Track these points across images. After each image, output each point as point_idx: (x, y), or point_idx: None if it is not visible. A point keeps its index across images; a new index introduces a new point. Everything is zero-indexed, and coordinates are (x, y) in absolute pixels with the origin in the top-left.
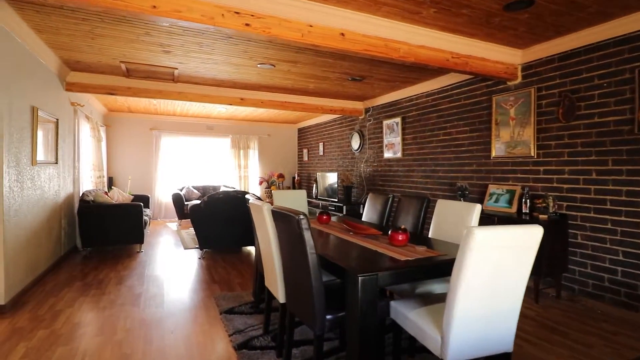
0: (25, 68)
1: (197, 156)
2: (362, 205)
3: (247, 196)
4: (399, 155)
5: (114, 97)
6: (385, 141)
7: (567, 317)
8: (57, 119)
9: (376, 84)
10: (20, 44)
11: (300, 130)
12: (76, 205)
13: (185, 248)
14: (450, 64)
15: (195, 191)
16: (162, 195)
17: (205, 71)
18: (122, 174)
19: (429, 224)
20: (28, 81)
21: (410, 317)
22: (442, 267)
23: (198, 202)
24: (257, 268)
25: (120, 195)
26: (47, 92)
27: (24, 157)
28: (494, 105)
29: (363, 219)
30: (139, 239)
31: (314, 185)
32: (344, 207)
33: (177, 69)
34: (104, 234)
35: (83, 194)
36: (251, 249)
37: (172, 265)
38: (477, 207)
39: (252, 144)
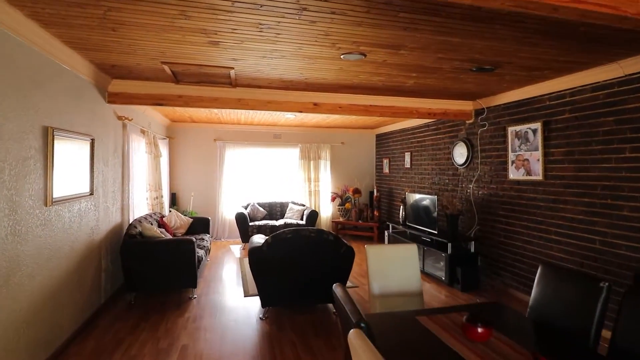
0: (33, 76)
1: (263, 169)
2: (472, 242)
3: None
4: (537, 176)
5: (172, 108)
6: (512, 155)
7: None
8: (92, 139)
9: (510, 74)
10: (17, 42)
11: (379, 137)
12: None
13: (246, 295)
14: None
15: (261, 209)
16: (227, 212)
17: (269, 70)
18: (185, 189)
19: None
20: (38, 94)
21: None
22: None
23: (259, 243)
24: None
25: (178, 220)
26: (77, 106)
27: (26, 198)
28: None
29: (530, 312)
30: (191, 282)
31: (401, 206)
32: (449, 245)
33: (233, 68)
34: (149, 276)
35: (130, 225)
36: (329, 306)
37: (223, 331)
38: None
39: (323, 153)
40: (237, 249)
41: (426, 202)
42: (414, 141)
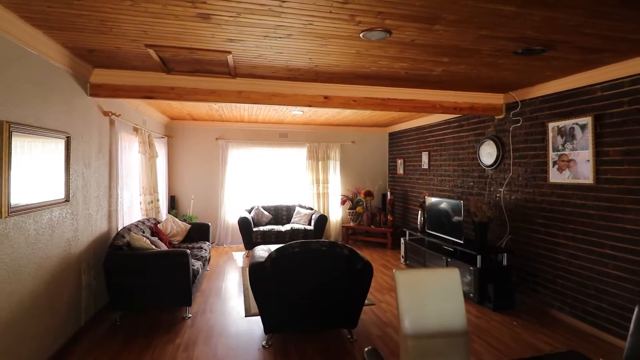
0: None
1: (268, 170)
2: (504, 254)
3: None
4: (587, 180)
5: (167, 103)
6: (553, 155)
7: None
8: (67, 136)
9: (560, 59)
10: None
11: (392, 136)
12: None
13: (247, 314)
14: None
15: (266, 213)
16: (229, 216)
17: (273, 54)
18: (185, 192)
19: None
20: None
21: None
22: None
23: (262, 258)
24: None
25: (174, 226)
26: (46, 98)
27: None
28: None
29: (627, 354)
30: (185, 300)
31: (419, 211)
32: (478, 257)
33: (230, 52)
34: (137, 293)
35: (117, 234)
36: (343, 331)
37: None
38: None
39: (332, 153)
40: (239, 256)
41: (448, 208)
42: (432, 140)
